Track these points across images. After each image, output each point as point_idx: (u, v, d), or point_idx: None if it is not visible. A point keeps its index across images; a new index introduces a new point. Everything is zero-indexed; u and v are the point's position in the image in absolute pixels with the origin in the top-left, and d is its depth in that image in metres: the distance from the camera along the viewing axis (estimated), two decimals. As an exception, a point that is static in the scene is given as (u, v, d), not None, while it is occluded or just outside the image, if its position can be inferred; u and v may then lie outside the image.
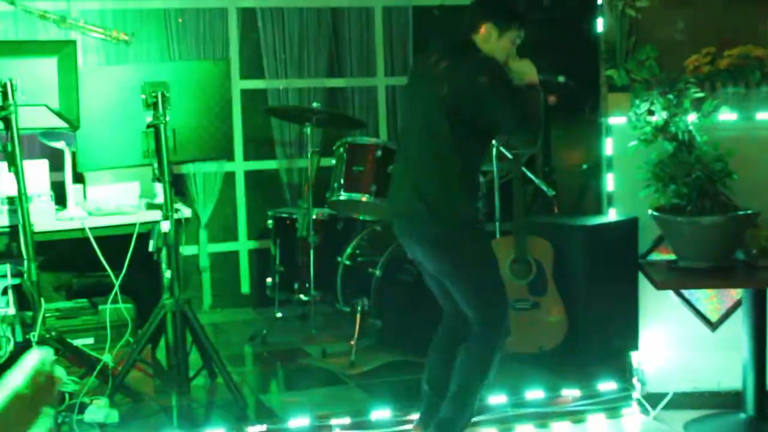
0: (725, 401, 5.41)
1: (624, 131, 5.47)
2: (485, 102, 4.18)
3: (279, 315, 6.35)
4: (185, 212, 5.27)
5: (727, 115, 5.40)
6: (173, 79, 4.78)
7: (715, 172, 5.00)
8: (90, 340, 5.05)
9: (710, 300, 5.45)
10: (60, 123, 4.66)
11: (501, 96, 4.16)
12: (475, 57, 4.28)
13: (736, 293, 5.30)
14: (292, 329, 6.33)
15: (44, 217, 4.80)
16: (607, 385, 5.25)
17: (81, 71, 4.84)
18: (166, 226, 4.73)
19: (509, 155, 5.74)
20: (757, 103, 5.49)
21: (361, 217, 5.91)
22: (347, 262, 5.79)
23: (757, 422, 5.13)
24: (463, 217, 4.29)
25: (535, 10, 6.24)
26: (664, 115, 5.19)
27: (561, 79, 5.40)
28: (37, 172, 4.91)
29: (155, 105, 4.61)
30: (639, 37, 5.64)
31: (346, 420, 4.72)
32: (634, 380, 5.37)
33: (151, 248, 4.95)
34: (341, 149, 5.87)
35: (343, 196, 5.75)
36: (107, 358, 4.87)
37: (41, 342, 4.40)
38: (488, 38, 4.28)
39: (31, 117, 4.54)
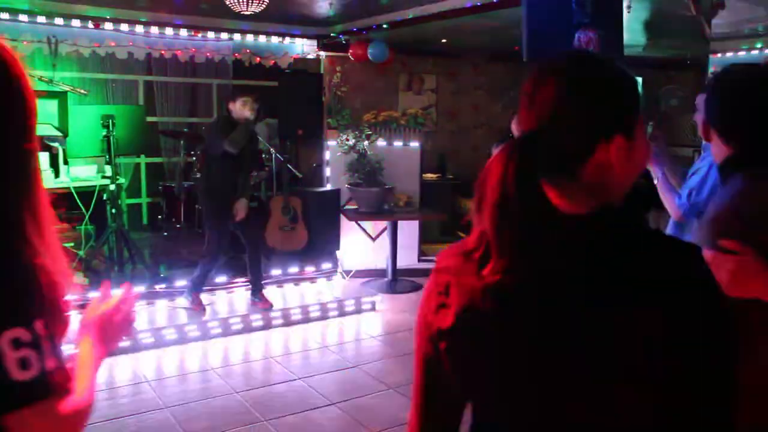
0: (379, 273, 6.98)
1: (335, 148, 6.97)
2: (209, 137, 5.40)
3: (165, 234, 7.03)
4: (122, 180, 6.20)
5: (381, 142, 7.07)
6: (116, 113, 5.65)
7: (376, 168, 6.69)
8: (71, 245, 5.72)
9: (372, 226, 6.98)
10: (58, 133, 5.55)
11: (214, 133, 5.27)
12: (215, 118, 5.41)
13: (383, 223, 6.87)
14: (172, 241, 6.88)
15: (47, 182, 5.36)
16: (326, 265, 6.65)
17: (70, 108, 5.64)
18: (112, 187, 5.60)
19: (281, 157, 6.67)
20: (395, 136, 7.26)
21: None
22: (200, 207, 6.45)
23: (391, 281, 6.81)
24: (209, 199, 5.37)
25: (295, 92, 6.79)
26: (353, 141, 6.78)
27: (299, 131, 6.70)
28: (43, 158, 5.67)
29: (107, 126, 5.46)
30: (342, 105, 7.22)
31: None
32: (338, 263, 6.80)
33: (104, 198, 5.70)
34: (199, 152, 6.63)
35: (199, 174, 6.25)
36: (81, 253, 5.73)
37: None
38: (233, 106, 5.28)
39: (43, 129, 5.37)
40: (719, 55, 6.68)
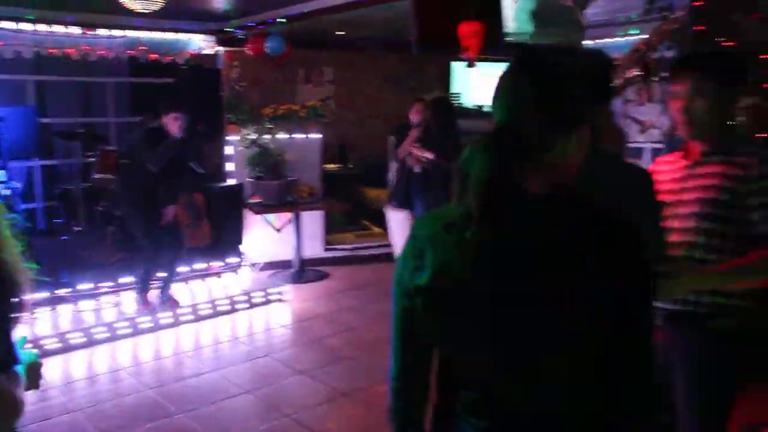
0: (286, 264, 7.14)
1: (236, 143, 7.11)
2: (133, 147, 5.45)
3: (64, 238, 6.45)
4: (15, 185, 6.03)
5: (282, 135, 7.22)
6: (5, 115, 5.64)
7: (279, 162, 6.89)
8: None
9: (277, 218, 7.16)
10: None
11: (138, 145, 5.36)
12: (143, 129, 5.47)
13: (287, 215, 7.06)
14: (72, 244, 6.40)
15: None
16: (232, 259, 6.79)
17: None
18: (6, 192, 5.57)
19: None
20: (294, 128, 7.38)
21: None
22: (101, 209, 6.42)
23: (298, 271, 7.02)
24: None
25: (194, 88, 6.63)
26: (255, 135, 6.97)
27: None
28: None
29: (-4, 130, 5.41)
30: (241, 100, 7.28)
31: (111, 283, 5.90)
32: (243, 256, 6.88)
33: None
34: (98, 153, 6.40)
35: (98, 175, 6.38)
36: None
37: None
38: (165, 119, 5.34)
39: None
40: (599, 41, 7.20)
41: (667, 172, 2.31)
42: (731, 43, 3.65)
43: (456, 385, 1.33)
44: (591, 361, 1.20)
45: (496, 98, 1.26)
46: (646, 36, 7.06)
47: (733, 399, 2.21)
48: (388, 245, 6.35)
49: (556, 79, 1.22)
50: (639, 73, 4.65)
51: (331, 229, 7.94)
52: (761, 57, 3.65)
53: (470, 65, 4.13)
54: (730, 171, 2.09)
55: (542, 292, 1.18)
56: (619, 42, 7.40)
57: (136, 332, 5.49)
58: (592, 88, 1.28)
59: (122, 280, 5.99)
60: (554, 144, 1.21)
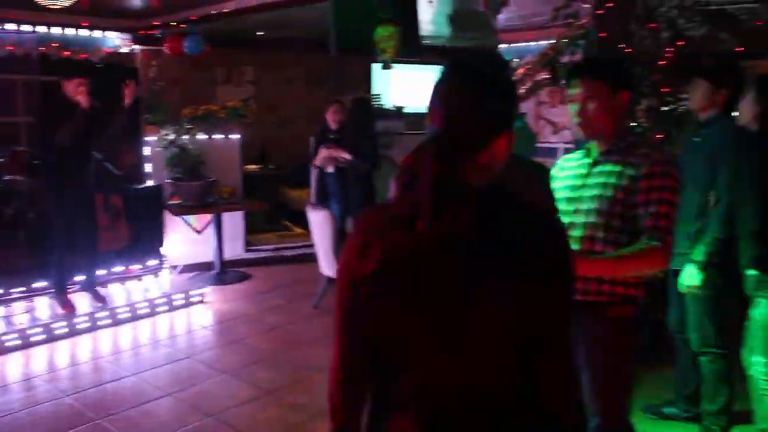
0: (206, 266, 7.10)
1: (155, 143, 6.97)
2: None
3: None
4: None
5: (202, 135, 7.15)
6: None
7: (197, 162, 6.83)
8: None
9: (196, 219, 7.11)
10: None
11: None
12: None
13: (208, 216, 7.02)
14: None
15: None
16: (152, 262, 6.66)
17: None
18: None
19: (97, 155, 5.99)
20: (214, 128, 7.23)
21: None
22: (11, 212, 5.94)
23: (220, 273, 6.93)
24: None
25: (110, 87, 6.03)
26: (173, 136, 6.87)
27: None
28: None
29: None
30: (159, 100, 7.05)
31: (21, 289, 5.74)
32: (163, 259, 6.77)
33: None
34: (8, 153, 6.08)
35: (8, 177, 6.04)
36: None
37: None
38: (67, 86, 5.20)
39: None
40: (512, 45, 7.48)
41: (570, 169, 2.48)
42: (630, 50, 3.89)
43: (393, 380, 1.38)
44: (526, 342, 1.30)
45: (432, 103, 1.37)
46: (554, 41, 7.45)
47: (632, 379, 2.40)
48: (310, 245, 6.28)
49: (488, 87, 1.34)
50: (547, 76, 4.88)
51: (253, 230, 7.92)
52: (658, 63, 3.93)
53: (386, 67, 4.25)
54: (624, 170, 2.27)
55: (487, 279, 1.26)
56: (530, 46, 7.73)
57: (51, 338, 5.33)
58: (514, 92, 1.41)
59: (35, 285, 5.82)
60: (488, 144, 1.32)
